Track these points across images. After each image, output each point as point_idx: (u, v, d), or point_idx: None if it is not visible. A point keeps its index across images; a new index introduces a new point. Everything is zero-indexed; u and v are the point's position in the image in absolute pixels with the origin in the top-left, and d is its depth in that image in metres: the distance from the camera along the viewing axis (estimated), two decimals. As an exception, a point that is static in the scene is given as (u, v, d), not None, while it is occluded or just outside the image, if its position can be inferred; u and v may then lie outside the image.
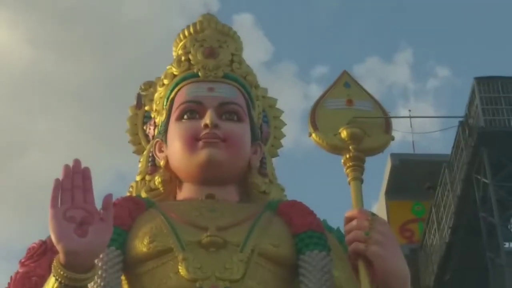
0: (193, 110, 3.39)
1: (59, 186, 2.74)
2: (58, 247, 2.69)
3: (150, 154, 3.52)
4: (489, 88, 16.80)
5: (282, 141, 3.74)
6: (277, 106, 3.80)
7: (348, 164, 3.15)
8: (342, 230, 3.08)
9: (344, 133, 3.19)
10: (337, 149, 3.21)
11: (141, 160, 3.59)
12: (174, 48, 3.74)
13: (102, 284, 2.91)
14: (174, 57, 3.67)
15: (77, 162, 2.80)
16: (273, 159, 3.67)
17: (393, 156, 20.56)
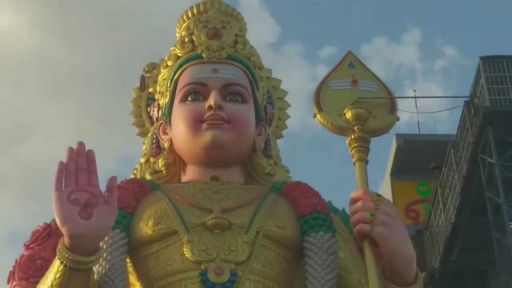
0: (197, 92, 3.38)
1: (63, 169, 2.73)
2: (63, 230, 2.68)
3: (154, 136, 3.51)
4: (495, 68, 16.73)
5: (287, 122, 3.73)
6: (282, 87, 3.78)
7: (353, 145, 3.14)
8: (347, 211, 3.07)
9: (349, 114, 3.17)
10: (342, 130, 3.19)
11: (145, 142, 3.57)
12: (177, 29, 3.72)
13: (107, 266, 2.91)
14: (178, 38, 3.65)
15: (81, 144, 2.79)
16: (279, 140, 3.66)
17: (398, 136, 20.52)
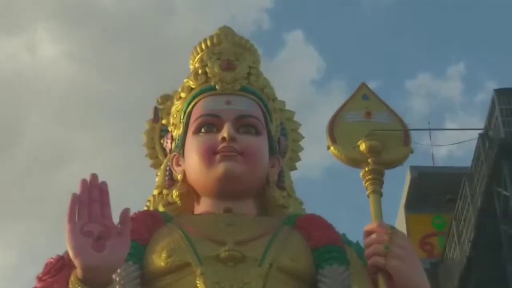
0: (210, 124, 3.38)
1: (76, 201, 2.73)
2: (76, 262, 2.68)
3: (168, 168, 3.51)
4: (510, 100, 16.71)
5: (300, 154, 3.72)
6: (295, 119, 3.78)
7: (367, 177, 3.13)
8: (362, 243, 3.05)
9: (363, 146, 3.17)
10: (356, 162, 3.19)
11: (159, 174, 3.57)
12: (191, 61, 3.73)
13: (120, 298, 2.90)
14: (191, 70, 3.66)
15: (94, 176, 2.79)
16: (297, 173, 3.65)
17: (413, 168, 20.49)
